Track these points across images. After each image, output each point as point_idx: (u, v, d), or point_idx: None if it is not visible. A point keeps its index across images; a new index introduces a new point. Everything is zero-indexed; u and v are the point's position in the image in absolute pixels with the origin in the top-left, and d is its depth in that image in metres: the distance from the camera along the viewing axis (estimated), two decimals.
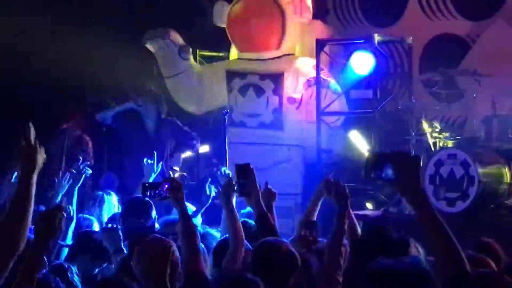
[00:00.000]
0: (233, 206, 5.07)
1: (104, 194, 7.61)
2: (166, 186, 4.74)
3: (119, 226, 5.70)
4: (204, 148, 10.75)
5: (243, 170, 4.95)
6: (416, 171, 3.05)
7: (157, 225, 6.25)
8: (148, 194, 4.81)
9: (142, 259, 4.18)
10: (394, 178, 3.04)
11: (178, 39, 10.62)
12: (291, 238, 5.35)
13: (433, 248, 3.02)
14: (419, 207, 3.03)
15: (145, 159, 7.68)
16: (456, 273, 2.90)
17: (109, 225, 5.79)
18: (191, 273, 4.26)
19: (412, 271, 2.82)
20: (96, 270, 5.69)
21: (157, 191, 4.76)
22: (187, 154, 10.76)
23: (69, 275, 4.91)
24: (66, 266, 5.06)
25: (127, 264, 4.44)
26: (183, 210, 4.58)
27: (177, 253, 4.22)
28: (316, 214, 5.57)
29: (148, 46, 10.62)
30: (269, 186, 5.57)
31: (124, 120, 10.63)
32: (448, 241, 2.98)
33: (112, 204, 7.50)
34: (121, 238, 5.49)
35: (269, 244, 4.34)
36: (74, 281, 4.93)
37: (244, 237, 4.86)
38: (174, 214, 6.72)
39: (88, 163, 7.13)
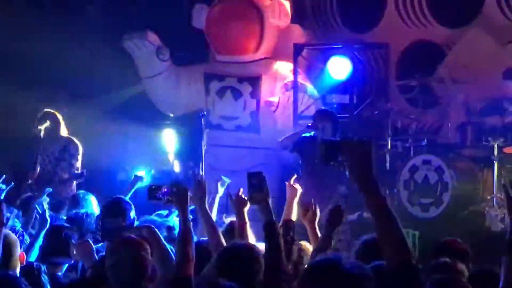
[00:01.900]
0: (206, 211, 5.11)
1: (84, 194, 7.61)
2: (165, 190, 4.77)
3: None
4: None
5: (255, 178, 4.94)
6: (367, 157, 3.01)
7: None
8: (153, 197, 4.85)
9: (112, 258, 4.20)
10: (345, 164, 3.01)
11: (156, 40, 10.63)
12: None
13: (380, 236, 2.97)
14: (369, 193, 2.98)
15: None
16: (401, 261, 2.89)
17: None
18: (177, 279, 4.28)
19: (353, 270, 2.79)
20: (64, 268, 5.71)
21: (158, 195, 4.81)
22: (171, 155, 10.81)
23: (39, 275, 4.92)
24: (36, 265, 5.07)
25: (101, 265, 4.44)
26: (182, 215, 4.60)
27: (147, 253, 4.22)
28: (293, 215, 5.63)
29: (127, 47, 10.61)
30: (240, 193, 5.56)
31: None
32: (396, 229, 2.95)
33: (91, 204, 7.49)
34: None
35: (232, 248, 4.36)
36: (43, 281, 4.94)
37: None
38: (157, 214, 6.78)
39: None
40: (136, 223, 6.11)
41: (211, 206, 6.73)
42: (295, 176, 5.87)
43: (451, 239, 5.41)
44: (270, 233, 4.72)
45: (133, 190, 7.40)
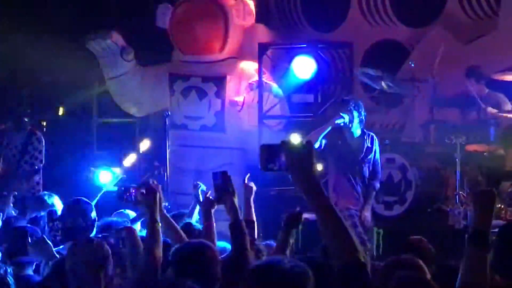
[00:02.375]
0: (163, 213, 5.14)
1: (48, 196, 7.57)
2: (133, 191, 4.76)
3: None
4: (145, 145, 10.73)
5: (220, 178, 4.95)
6: (307, 158, 2.99)
7: None
8: (122, 198, 4.84)
9: (71, 260, 4.19)
10: (286, 167, 3.00)
11: (121, 40, 10.58)
12: None
13: (326, 236, 2.96)
14: (310, 194, 2.97)
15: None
16: (349, 260, 2.89)
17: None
18: (143, 279, 4.27)
19: (293, 270, 2.81)
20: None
21: (127, 196, 4.80)
22: (131, 156, 10.75)
23: (5, 275, 4.90)
24: (1, 266, 5.04)
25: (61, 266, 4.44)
26: (149, 216, 4.60)
27: (106, 255, 4.21)
28: (252, 213, 5.68)
29: (90, 47, 10.55)
30: (247, 181, 5.69)
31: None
32: (341, 229, 2.94)
33: (55, 205, 7.46)
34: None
35: (189, 247, 4.38)
36: (8, 281, 4.91)
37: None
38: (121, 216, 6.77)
39: None
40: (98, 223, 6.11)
41: (192, 212, 6.80)
42: (249, 175, 5.86)
43: (417, 238, 5.46)
44: (236, 233, 4.73)
45: (99, 195, 7.37)
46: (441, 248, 7.85)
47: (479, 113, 9.49)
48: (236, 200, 4.93)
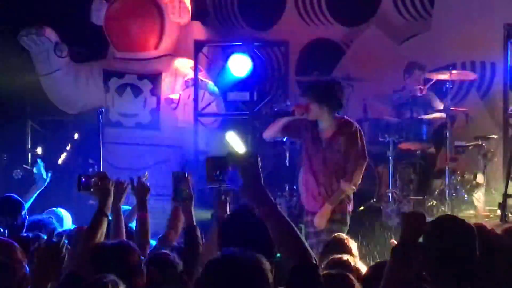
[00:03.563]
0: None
1: None
2: (83, 180, 4.69)
3: None
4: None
5: (178, 178, 4.88)
6: (254, 169, 3.08)
7: None
8: (80, 187, 4.79)
9: None
10: (233, 179, 3.12)
11: (54, 36, 10.44)
12: (160, 236, 5.38)
13: (276, 241, 3.06)
14: (261, 204, 3.06)
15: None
16: (300, 262, 2.96)
17: None
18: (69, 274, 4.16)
19: (250, 263, 2.80)
20: None
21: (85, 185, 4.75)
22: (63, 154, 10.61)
23: None
24: None
25: None
26: (99, 206, 4.46)
27: (18, 257, 4.09)
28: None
29: (23, 43, 10.39)
30: (143, 180, 5.42)
31: None
32: (290, 233, 3.02)
33: None
34: None
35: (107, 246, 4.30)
36: None
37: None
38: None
39: None
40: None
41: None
42: (147, 173, 5.70)
43: (338, 237, 5.45)
44: (190, 237, 4.67)
45: (35, 194, 7.20)
46: (373, 245, 7.99)
47: (412, 111, 9.61)
48: (192, 204, 4.85)
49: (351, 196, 7.06)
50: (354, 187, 6.96)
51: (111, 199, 4.55)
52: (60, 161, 10.27)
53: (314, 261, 2.99)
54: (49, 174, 7.23)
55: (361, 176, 7.00)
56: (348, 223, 6.94)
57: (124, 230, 5.01)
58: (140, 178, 5.40)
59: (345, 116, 7.22)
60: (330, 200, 6.87)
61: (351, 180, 6.90)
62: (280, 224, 3.03)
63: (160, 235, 5.40)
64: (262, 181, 3.09)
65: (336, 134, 6.96)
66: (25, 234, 5.51)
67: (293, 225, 3.04)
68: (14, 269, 3.98)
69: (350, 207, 7.04)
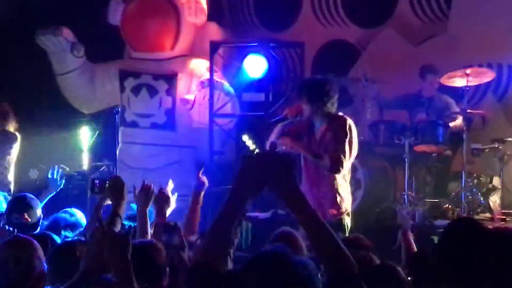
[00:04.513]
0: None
1: None
2: (97, 182, 4.77)
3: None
4: None
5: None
6: (292, 172, 2.91)
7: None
8: (93, 190, 4.90)
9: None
10: (270, 182, 2.89)
11: (71, 36, 10.47)
12: None
13: (317, 249, 2.88)
14: (299, 209, 2.88)
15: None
16: (343, 273, 2.81)
17: None
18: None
19: (300, 262, 2.71)
20: None
21: (97, 188, 4.85)
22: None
23: None
24: None
25: None
26: (113, 209, 4.52)
27: (35, 253, 4.11)
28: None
29: (40, 43, 10.43)
30: (163, 189, 5.47)
31: None
32: (331, 241, 2.86)
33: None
34: None
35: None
36: None
37: None
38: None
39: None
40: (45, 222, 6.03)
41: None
42: (170, 181, 5.67)
43: (353, 236, 5.45)
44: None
45: (47, 198, 7.22)
46: (388, 246, 7.96)
47: (428, 113, 9.58)
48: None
49: (344, 195, 6.88)
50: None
51: (124, 201, 4.60)
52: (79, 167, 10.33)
53: (356, 271, 2.83)
54: (63, 181, 7.25)
55: (327, 164, 6.67)
56: (347, 225, 6.86)
57: (149, 233, 5.06)
58: (162, 188, 5.47)
59: (340, 113, 7.02)
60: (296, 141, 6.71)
61: (322, 158, 6.68)
62: (321, 230, 2.87)
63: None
64: (299, 185, 2.92)
65: (326, 130, 6.84)
66: (39, 232, 5.54)
67: (334, 233, 2.88)
68: (33, 265, 4.02)
69: (343, 208, 6.90)
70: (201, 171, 5.79)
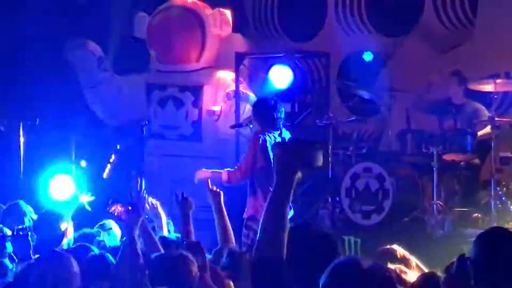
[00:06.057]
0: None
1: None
2: (115, 208, 4.84)
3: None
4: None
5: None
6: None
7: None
8: (108, 211, 4.94)
9: (35, 274, 4.14)
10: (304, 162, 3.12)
11: (98, 50, 10.54)
12: (215, 249, 5.43)
13: (262, 231, 3.07)
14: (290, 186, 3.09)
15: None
16: (271, 256, 2.98)
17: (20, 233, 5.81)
18: None
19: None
20: None
21: (113, 211, 4.89)
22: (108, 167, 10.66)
23: None
24: None
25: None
26: (127, 237, 4.56)
27: (72, 268, 4.15)
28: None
29: (68, 57, 10.50)
30: (185, 195, 5.61)
31: None
32: (277, 228, 3.06)
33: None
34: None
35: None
36: None
37: None
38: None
39: None
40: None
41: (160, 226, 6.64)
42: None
43: (390, 247, 5.41)
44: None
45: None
46: (418, 256, 7.91)
47: (456, 121, 9.51)
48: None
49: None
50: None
51: (137, 226, 4.64)
52: (105, 175, 10.31)
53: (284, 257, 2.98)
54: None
55: (226, 177, 7.66)
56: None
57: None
58: (184, 194, 5.55)
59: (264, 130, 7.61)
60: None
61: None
62: (274, 214, 3.03)
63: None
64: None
65: None
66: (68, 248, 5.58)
67: (286, 222, 3.02)
68: (70, 281, 4.04)
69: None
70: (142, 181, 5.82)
